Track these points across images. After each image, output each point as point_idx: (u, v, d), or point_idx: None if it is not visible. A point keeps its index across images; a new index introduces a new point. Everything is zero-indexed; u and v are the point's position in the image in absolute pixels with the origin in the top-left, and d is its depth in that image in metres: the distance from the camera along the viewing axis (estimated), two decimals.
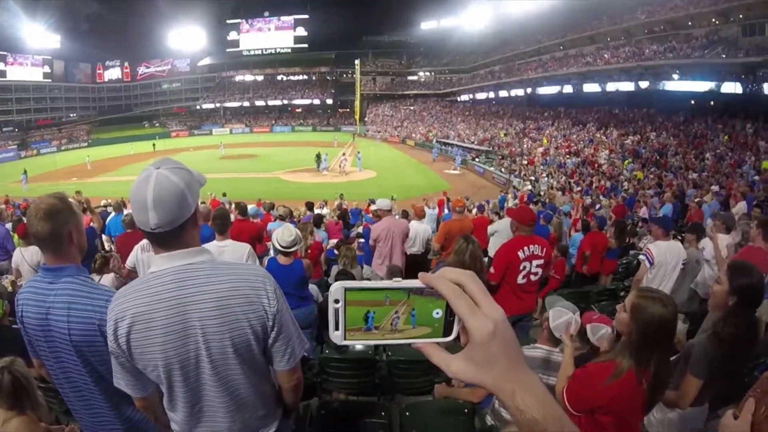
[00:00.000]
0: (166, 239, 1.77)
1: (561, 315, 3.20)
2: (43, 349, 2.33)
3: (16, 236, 8.00)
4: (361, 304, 0.74)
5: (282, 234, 5.07)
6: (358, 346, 4.63)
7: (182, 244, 1.80)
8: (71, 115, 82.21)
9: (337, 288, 0.74)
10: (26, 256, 6.14)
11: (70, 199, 2.43)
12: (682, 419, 3.22)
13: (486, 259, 7.66)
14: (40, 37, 72.53)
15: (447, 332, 0.74)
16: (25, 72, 74.43)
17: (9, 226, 8.97)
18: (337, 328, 0.75)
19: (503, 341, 0.70)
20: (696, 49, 32.54)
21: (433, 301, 0.74)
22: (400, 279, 0.75)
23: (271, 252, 5.54)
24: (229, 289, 1.76)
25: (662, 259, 5.62)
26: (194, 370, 1.81)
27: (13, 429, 2.66)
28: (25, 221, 5.57)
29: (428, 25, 76.75)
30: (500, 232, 7.41)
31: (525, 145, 37.10)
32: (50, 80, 78.22)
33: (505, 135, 43.81)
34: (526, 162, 33.82)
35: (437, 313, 0.74)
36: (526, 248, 4.85)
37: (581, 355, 3.22)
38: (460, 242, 4.23)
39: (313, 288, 5.78)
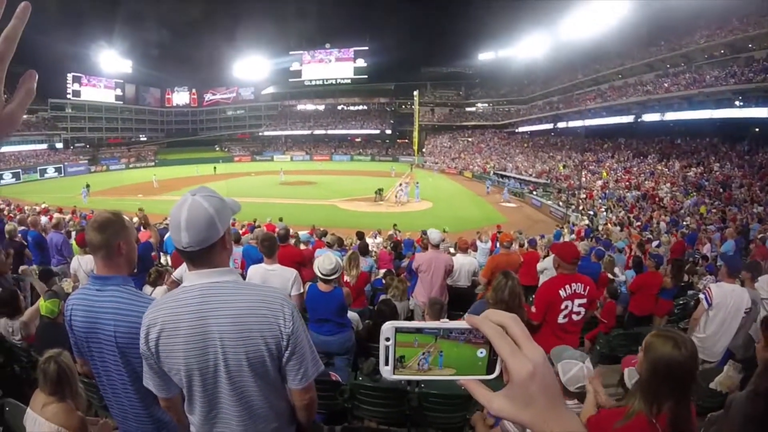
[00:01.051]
0: (196, 257, 1.95)
1: (570, 367, 3.08)
2: (88, 350, 2.54)
3: (75, 244, 8.75)
4: (399, 344, 0.80)
5: (323, 262, 5.20)
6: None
7: (211, 264, 1.97)
8: (140, 136, 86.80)
9: (388, 327, 0.79)
10: (82, 263, 6.66)
11: (124, 216, 2.70)
12: None
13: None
14: (114, 62, 77.99)
15: (490, 370, 0.78)
16: (98, 93, 79.77)
17: (72, 234, 9.67)
18: (386, 364, 0.80)
19: (542, 382, 0.73)
20: (758, 73, 31.19)
21: (458, 345, 0.79)
22: (447, 320, 0.80)
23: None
24: (248, 307, 1.92)
25: (722, 301, 5.38)
26: (212, 379, 1.95)
27: (52, 413, 2.91)
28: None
29: (486, 56, 77.52)
30: (549, 269, 7.16)
31: (583, 178, 36.09)
32: (122, 102, 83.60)
33: (564, 167, 42.92)
34: (584, 195, 32.89)
35: (481, 353, 0.78)
36: (567, 286, 4.71)
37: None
38: (500, 278, 4.16)
39: (353, 316, 5.88)
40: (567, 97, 58.67)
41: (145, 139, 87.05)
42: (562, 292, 4.70)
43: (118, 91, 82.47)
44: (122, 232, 2.55)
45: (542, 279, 7.49)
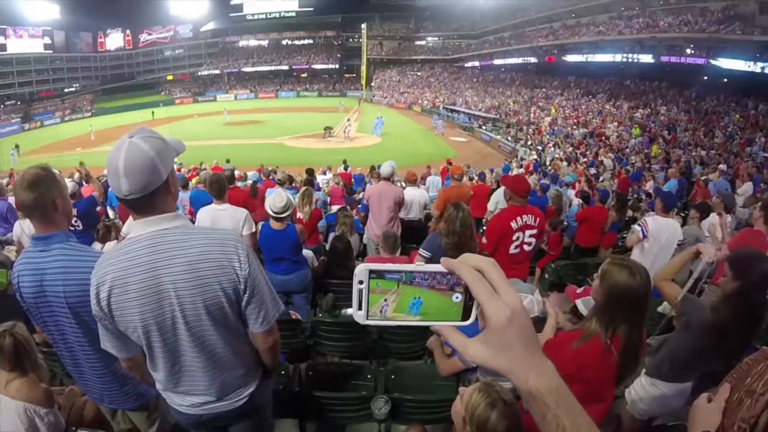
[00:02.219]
0: (140, 205, 1.83)
1: (522, 299, 3.15)
2: (40, 315, 2.46)
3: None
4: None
5: (274, 200, 5.15)
6: (350, 310, 4.71)
7: (156, 210, 1.86)
8: (74, 85, 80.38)
9: (361, 269, 0.76)
10: (25, 228, 6.17)
11: (53, 169, 2.53)
12: (664, 397, 3.22)
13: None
14: (40, 9, 71.35)
15: (466, 316, 0.76)
16: (25, 44, 72.70)
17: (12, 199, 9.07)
18: (360, 308, 0.77)
19: (519, 327, 0.72)
20: (711, 24, 31.78)
21: (420, 290, 0.75)
22: (422, 263, 0.78)
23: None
24: (200, 253, 1.83)
25: (656, 234, 5.56)
26: (171, 332, 1.89)
27: (15, 390, 2.81)
28: None
29: None
30: (501, 202, 7.25)
31: (533, 114, 36.63)
32: (51, 51, 76.39)
33: (514, 103, 43.23)
34: (533, 131, 33.49)
35: (457, 298, 0.75)
36: (519, 218, 4.76)
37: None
38: (451, 210, 4.15)
39: (308, 253, 5.90)
40: (519, 34, 58.29)
41: (79, 88, 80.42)
42: (513, 224, 4.74)
43: (47, 40, 75.15)
44: (54, 187, 2.41)
45: (496, 212, 7.53)
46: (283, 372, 3.86)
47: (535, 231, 4.86)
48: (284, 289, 5.28)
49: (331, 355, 4.76)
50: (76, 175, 11.07)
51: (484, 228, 7.40)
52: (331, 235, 7.11)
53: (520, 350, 0.72)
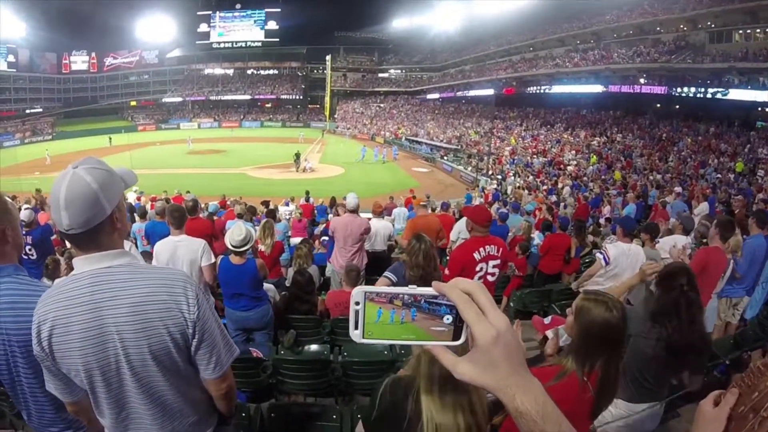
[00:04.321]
0: (81, 241, 1.72)
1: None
2: None
3: None
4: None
5: (233, 233, 5.05)
6: (314, 347, 4.79)
7: (99, 247, 1.74)
8: (35, 106, 78.51)
9: (358, 291, 0.81)
10: None
11: (5, 197, 2.37)
12: (635, 422, 3.19)
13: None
14: (6, 25, 70.01)
15: (456, 336, 0.80)
16: None
17: None
18: (356, 328, 0.81)
19: (505, 347, 0.76)
20: (663, 54, 33.28)
21: (376, 307, 0.80)
22: (415, 287, 0.81)
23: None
24: (145, 294, 1.71)
25: (620, 261, 5.63)
26: (116, 377, 1.75)
27: None
28: None
29: (400, 23, 76.98)
30: (464, 231, 7.28)
31: (493, 144, 37.43)
32: (15, 70, 75.22)
33: (475, 133, 44.09)
34: (493, 161, 34.07)
35: (447, 319, 0.80)
36: (482, 249, 4.71)
37: (531, 359, 3.20)
38: (413, 243, 4.15)
39: (269, 287, 5.76)
40: (479, 67, 59.99)
41: (40, 109, 78.42)
42: (476, 255, 4.70)
43: (11, 58, 74.02)
44: (5, 217, 2.25)
45: (459, 242, 7.46)
46: (243, 414, 3.65)
47: (498, 261, 4.81)
48: (244, 326, 5.18)
49: (295, 393, 4.64)
50: (32, 201, 10.74)
51: (447, 258, 7.43)
52: (291, 270, 7.12)
53: (506, 369, 0.76)
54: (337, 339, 5.25)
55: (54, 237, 7.52)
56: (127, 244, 4.13)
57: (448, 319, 0.79)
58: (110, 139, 55.00)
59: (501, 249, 4.87)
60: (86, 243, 1.73)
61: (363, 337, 0.81)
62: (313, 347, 4.78)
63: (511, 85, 50.41)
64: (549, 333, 3.30)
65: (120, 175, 1.82)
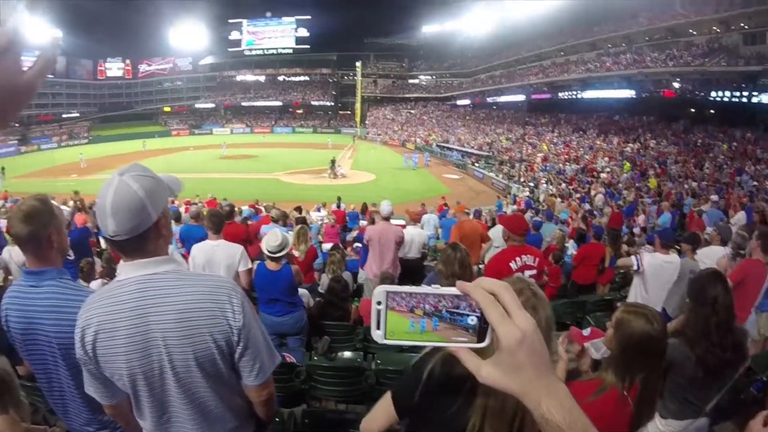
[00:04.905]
0: (127, 247, 1.74)
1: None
2: (27, 352, 2.34)
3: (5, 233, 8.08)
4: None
5: (269, 239, 5.08)
6: (347, 354, 4.78)
7: (144, 253, 1.76)
8: (72, 111, 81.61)
9: (380, 291, 0.79)
10: (14, 255, 6.03)
11: (52, 201, 2.41)
12: None
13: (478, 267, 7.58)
14: (40, 32, 71.92)
15: (480, 338, 0.77)
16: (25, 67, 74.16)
17: (3, 222, 9.05)
18: (378, 328, 0.80)
19: (531, 350, 0.73)
20: (696, 57, 32.52)
21: (397, 316, 0.79)
22: (438, 286, 0.79)
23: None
24: (191, 301, 1.72)
25: (655, 272, 5.55)
26: (159, 381, 1.77)
27: None
28: None
29: (430, 29, 76.82)
30: (495, 239, 7.29)
31: (524, 151, 36.72)
32: (52, 76, 77.46)
33: (507, 140, 43.55)
34: (525, 168, 33.47)
35: (472, 320, 0.77)
36: (518, 258, 4.68)
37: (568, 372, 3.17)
38: (448, 251, 4.13)
39: (303, 292, 5.76)
40: (510, 72, 59.44)
41: (77, 114, 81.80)
42: (513, 265, 4.65)
43: None
44: (52, 222, 2.30)
45: (490, 251, 7.45)
46: (277, 419, 3.62)
47: (534, 271, 4.76)
48: (278, 331, 5.18)
49: (327, 399, 4.62)
50: (71, 203, 10.99)
51: (479, 267, 7.37)
52: (324, 276, 7.11)
53: (531, 372, 0.74)
54: (370, 346, 5.20)
55: (91, 239, 7.68)
56: (170, 249, 4.15)
57: (472, 320, 0.77)
58: (144, 143, 56.36)
59: (537, 259, 4.84)
60: (132, 249, 1.74)
61: (385, 338, 0.80)
62: (347, 354, 4.76)
63: (542, 91, 49.86)
64: (588, 345, 3.26)
65: (166, 182, 1.83)
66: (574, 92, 44.92)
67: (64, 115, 78.21)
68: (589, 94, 42.77)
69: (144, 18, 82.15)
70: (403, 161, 39.49)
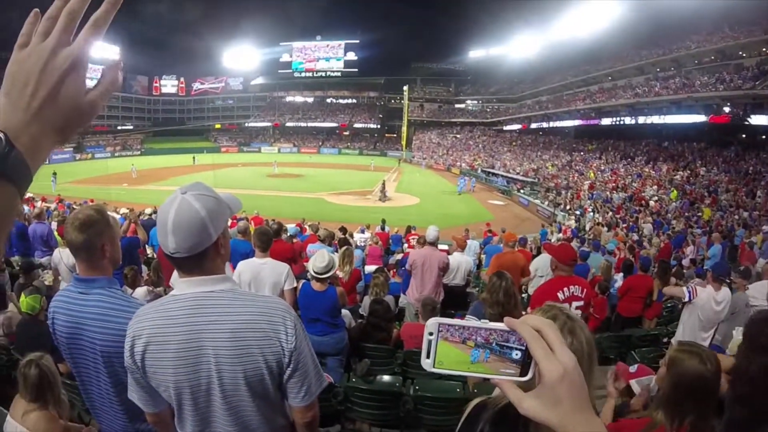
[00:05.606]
0: (186, 264, 1.78)
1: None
2: (70, 356, 2.40)
3: (58, 236, 8.64)
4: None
5: (316, 260, 5.11)
6: (386, 377, 4.80)
7: (202, 271, 1.79)
8: (127, 124, 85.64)
9: (432, 322, 0.82)
10: (64, 257, 6.29)
11: (108, 212, 2.48)
12: None
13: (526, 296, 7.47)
14: (100, 48, 75.40)
15: (524, 372, 0.80)
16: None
17: (54, 225, 9.78)
18: (428, 357, 0.82)
19: (571, 385, 0.76)
20: (747, 80, 31.39)
21: (449, 346, 0.82)
22: (487, 321, 0.83)
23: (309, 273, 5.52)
24: (246, 321, 1.74)
25: (705, 306, 5.40)
26: (204, 397, 1.80)
27: (33, 422, 2.78)
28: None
29: (477, 54, 77.39)
30: (540, 269, 7.10)
31: (571, 178, 36.16)
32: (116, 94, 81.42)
33: (553, 166, 42.85)
34: (571, 195, 32.79)
35: (516, 354, 0.80)
36: (566, 289, 4.63)
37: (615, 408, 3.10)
38: (494, 280, 4.10)
39: (345, 314, 5.77)
40: (556, 97, 58.81)
41: (131, 127, 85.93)
42: (560, 295, 4.61)
43: None
44: (106, 232, 2.36)
45: (535, 280, 7.31)
46: None
47: (581, 303, 4.70)
48: (318, 351, 5.09)
49: (362, 421, 4.58)
50: (123, 210, 11.40)
51: (524, 295, 7.29)
52: (366, 299, 7.10)
53: (570, 407, 0.76)
54: (410, 371, 5.16)
55: (140, 248, 7.96)
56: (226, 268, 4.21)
57: (517, 354, 0.80)
58: (194, 158, 58.38)
59: (584, 290, 4.78)
60: (190, 267, 1.78)
61: (434, 366, 0.82)
62: (385, 378, 4.75)
63: (589, 116, 48.99)
64: (633, 383, 3.18)
65: (226, 202, 1.85)
66: (622, 118, 43.89)
67: (118, 127, 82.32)
68: (637, 119, 41.68)
69: (199, 39, 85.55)
70: (457, 185, 39.21)
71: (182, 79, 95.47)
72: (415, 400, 4.28)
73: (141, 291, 5.88)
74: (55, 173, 35.55)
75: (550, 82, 61.66)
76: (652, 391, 2.97)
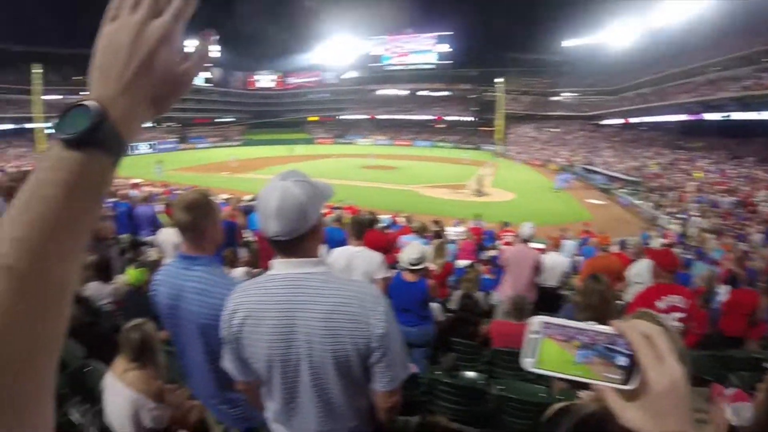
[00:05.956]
0: (286, 247, 1.88)
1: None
2: (170, 324, 2.63)
3: (165, 217, 9.69)
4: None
5: (409, 251, 5.21)
6: (470, 374, 4.71)
7: (300, 253, 1.90)
8: (226, 116, 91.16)
9: (537, 320, 0.82)
10: (169, 236, 6.81)
11: (212, 198, 2.69)
12: None
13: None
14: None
15: (627, 380, 0.76)
16: None
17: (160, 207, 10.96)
18: (530, 356, 0.81)
19: (677, 399, 0.73)
20: None
21: (554, 344, 0.80)
22: (594, 323, 0.80)
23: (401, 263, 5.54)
24: (338, 304, 1.81)
25: None
26: (293, 372, 1.89)
27: (131, 380, 3.04)
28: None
29: (573, 43, 74.86)
30: (640, 275, 6.65)
31: (675, 178, 33.82)
32: (210, 85, 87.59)
33: (656, 165, 39.71)
34: (675, 197, 30.16)
35: (621, 361, 0.76)
36: (666, 298, 4.46)
37: None
38: (589, 283, 4.01)
39: (435, 306, 5.83)
40: (658, 90, 54.63)
41: (231, 119, 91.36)
42: (660, 304, 4.45)
43: (208, 74, 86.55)
44: (210, 215, 2.55)
45: (632, 287, 6.94)
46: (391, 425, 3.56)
47: (682, 314, 4.48)
48: (405, 341, 5.22)
49: (441, 414, 4.45)
50: (224, 195, 12.26)
51: (619, 302, 7.11)
52: (456, 292, 7.06)
53: (674, 422, 0.73)
54: (495, 370, 5.02)
55: (239, 232, 8.41)
56: (322, 251, 4.34)
57: (621, 360, 0.76)
58: (290, 149, 61.36)
59: (686, 300, 4.56)
60: (289, 249, 1.89)
61: (534, 366, 0.80)
62: (470, 374, 4.63)
63: (695, 111, 45.12)
64: (727, 408, 2.88)
65: (320, 188, 1.94)
66: (730, 113, 40.05)
67: (218, 120, 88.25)
68: (747, 115, 37.93)
69: (293, 35, 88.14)
70: (555, 181, 38.01)
71: (278, 74, 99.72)
72: (498, 400, 4.17)
73: (239, 271, 6.20)
74: (161, 161, 39.17)
75: (651, 72, 57.15)
76: (740, 416, 2.71)
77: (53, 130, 0.61)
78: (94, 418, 3.15)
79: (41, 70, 56.17)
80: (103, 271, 5.62)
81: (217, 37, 0.81)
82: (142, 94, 0.70)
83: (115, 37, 0.69)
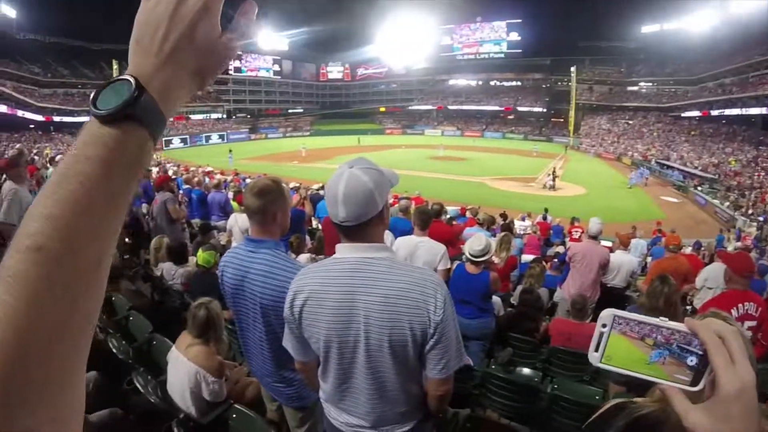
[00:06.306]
0: (352, 232, 1.92)
1: None
2: (234, 305, 2.75)
3: (235, 203, 10.10)
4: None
5: (473, 243, 5.21)
6: (526, 370, 4.68)
7: (366, 238, 1.94)
8: (297, 107, 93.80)
9: (607, 314, 0.79)
10: (239, 221, 7.26)
11: (283, 184, 2.75)
12: None
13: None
14: (271, 40, 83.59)
15: (694, 382, 0.73)
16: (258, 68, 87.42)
17: (231, 194, 11.56)
18: (596, 350, 0.78)
19: (746, 404, 0.69)
20: None
21: (624, 340, 0.78)
22: (666, 319, 0.77)
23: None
24: (399, 289, 1.83)
25: None
26: (350, 354, 1.94)
27: (194, 354, 3.19)
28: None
29: (650, 29, 71.27)
30: (710, 280, 6.28)
31: (756, 177, 32.05)
32: (279, 77, 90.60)
33: (736, 162, 37.58)
34: (755, 198, 28.53)
35: (691, 361, 0.73)
36: (741, 305, 4.28)
37: None
38: (656, 284, 3.91)
39: (496, 300, 5.84)
40: (741, 80, 51.59)
41: (300, 110, 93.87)
42: (733, 312, 4.26)
43: (276, 67, 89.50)
44: (279, 201, 2.62)
45: (702, 291, 6.54)
46: (441, 415, 3.36)
47: (754, 323, 4.33)
48: (463, 333, 4.85)
49: (492, 409, 4.44)
50: (292, 183, 12.71)
51: (687, 307, 6.89)
52: (519, 287, 7.06)
53: (741, 427, 0.69)
54: (551, 369, 4.99)
55: (306, 220, 8.74)
56: (387, 237, 4.59)
57: (691, 360, 0.73)
58: (359, 139, 62.77)
59: (760, 309, 4.38)
60: (355, 234, 1.92)
61: (601, 361, 0.78)
62: (525, 370, 4.61)
63: None
64: None
65: (387, 176, 1.97)
66: None
67: (289, 110, 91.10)
68: None
69: (363, 26, 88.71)
70: (629, 177, 36.68)
71: (347, 65, 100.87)
72: (551, 399, 4.08)
73: (304, 257, 6.39)
74: (231, 150, 41.80)
75: (734, 61, 53.49)
76: None
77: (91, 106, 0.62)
78: (156, 389, 3.35)
79: (117, 67, 63.62)
80: (178, 255, 6.08)
81: (255, 7, 0.76)
82: (183, 67, 0.69)
83: (154, 11, 0.68)
